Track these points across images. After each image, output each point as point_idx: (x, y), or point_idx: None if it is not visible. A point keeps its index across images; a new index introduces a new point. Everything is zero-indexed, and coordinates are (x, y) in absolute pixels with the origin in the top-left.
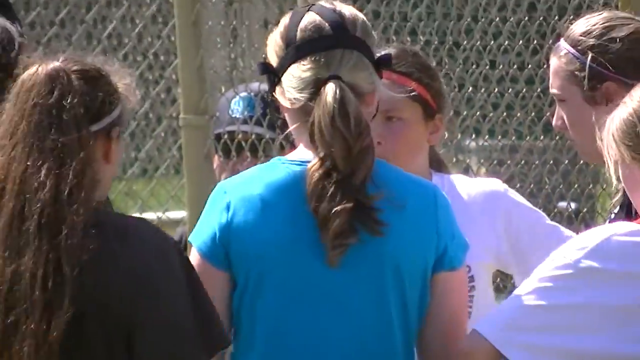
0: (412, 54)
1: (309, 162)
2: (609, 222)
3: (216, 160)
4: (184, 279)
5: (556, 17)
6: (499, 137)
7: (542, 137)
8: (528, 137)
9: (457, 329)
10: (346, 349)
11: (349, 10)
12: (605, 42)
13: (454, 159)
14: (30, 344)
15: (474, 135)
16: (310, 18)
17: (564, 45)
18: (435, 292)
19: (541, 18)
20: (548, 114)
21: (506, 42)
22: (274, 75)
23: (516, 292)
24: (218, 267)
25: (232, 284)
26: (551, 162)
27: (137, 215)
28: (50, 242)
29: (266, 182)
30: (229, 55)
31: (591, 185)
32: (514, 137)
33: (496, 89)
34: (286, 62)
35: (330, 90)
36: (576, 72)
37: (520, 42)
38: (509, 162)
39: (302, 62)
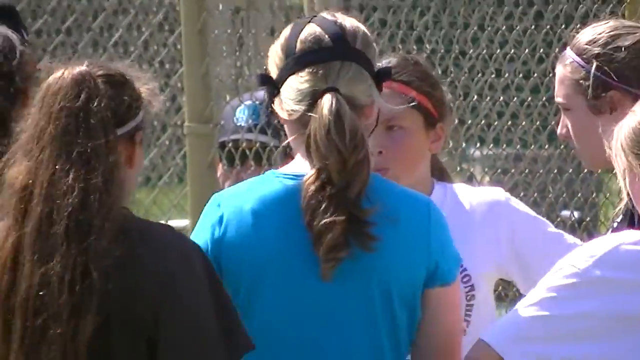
0: (413, 62)
1: (302, 175)
2: (612, 231)
3: (220, 169)
4: (207, 284)
5: (563, 26)
6: (504, 145)
7: (546, 146)
8: (532, 146)
9: (451, 345)
10: None
11: (350, 22)
12: (611, 51)
13: (458, 168)
14: (57, 348)
15: (478, 144)
16: (311, 29)
17: (569, 53)
18: (428, 307)
19: (548, 27)
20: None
21: (512, 51)
22: (273, 87)
23: (524, 301)
24: None
25: None
26: (555, 171)
27: None
28: (78, 246)
29: (259, 196)
30: (234, 63)
31: (594, 194)
32: (518, 146)
33: (501, 98)
34: (285, 73)
35: (326, 103)
36: (581, 81)
37: (527, 50)
38: (513, 170)
39: (301, 74)
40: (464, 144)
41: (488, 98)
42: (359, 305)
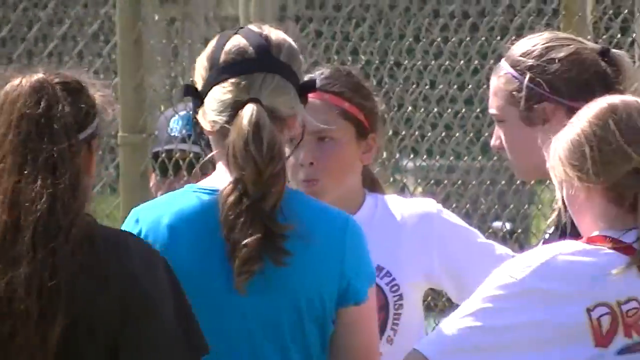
0: (346, 73)
1: (217, 190)
2: (543, 242)
3: (153, 179)
4: (169, 287)
5: (498, 38)
6: (437, 157)
7: (479, 157)
8: (466, 157)
9: None
10: None
11: (276, 34)
12: (544, 63)
13: (391, 179)
14: (26, 355)
15: (411, 155)
16: (236, 41)
17: (503, 65)
18: (341, 325)
19: (483, 38)
20: (486, 134)
21: (447, 62)
22: (197, 97)
23: (459, 311)
24: None
25: None
26: (488, 182)
27: None
28: (45, 252)
29: (176, 211)
30: (169, 73)
31: (526, 206)
32: (451, 157)
33: (435, 109)
34: (209, 84)
35: (246, 114)
36: (514, 93)
37: (461, 62)
38: (445, 182)
39: (223, 85)
40: (397, 155)
41: (422, 109)
42: (270, 319)
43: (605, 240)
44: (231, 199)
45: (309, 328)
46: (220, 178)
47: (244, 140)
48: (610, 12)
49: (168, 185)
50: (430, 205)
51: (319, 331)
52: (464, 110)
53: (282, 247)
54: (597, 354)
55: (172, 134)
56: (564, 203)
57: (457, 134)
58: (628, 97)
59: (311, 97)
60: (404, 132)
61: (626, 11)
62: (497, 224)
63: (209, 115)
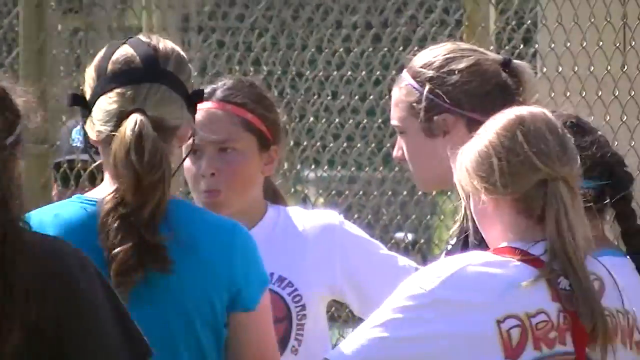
0: (249, 84)
1: (101, 199)
2: (446, 253)
3: (55, 189)
4: (105, 294)
5: (400, 49)
6: (339, 167)
7: (381, 168)
8: (367, 168)
9: None
10: None
11: (164, 44)
12: (444, 74)
13: (292, 189)
14: None
15: (313, 166)
16: (123, 51)
17: (405, 76)
18: (233, 330)
19: (385, 49)
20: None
21: (349, 73)
22: (85, 107)
23: (369, 321)
24: None
25: None
26: (389, 193)
27: None
28: None
29: (60, 221)
30: (72, 84)
31: (428, 216)
32: (353, 168)
33: (337, 120)
34: (96, 94)
35: (130, 123)
36: (414, 104)
37: (363, 73)
38: (347, 192)
39: (109, 95)
40: (298, 166)
41: (324, 120)
42: (159, 327)
43: (514, 252)
44: (107, 207)
45: (203, 333)
46: (105, 187)
47: (126, 150)
48: (513, 23)
49: (70, 195)
50: (332, 217)
51: (214, 335)
52: (365, 121)
53: (162, 255)
54: None
55: (74, 145)
56: (466, 213)
57: (359, 145)
58: (535, 109)
59: (213, 107)
60: (305, 143)
61: (529, 22)
62: (399, 235)
63: (96, 125)
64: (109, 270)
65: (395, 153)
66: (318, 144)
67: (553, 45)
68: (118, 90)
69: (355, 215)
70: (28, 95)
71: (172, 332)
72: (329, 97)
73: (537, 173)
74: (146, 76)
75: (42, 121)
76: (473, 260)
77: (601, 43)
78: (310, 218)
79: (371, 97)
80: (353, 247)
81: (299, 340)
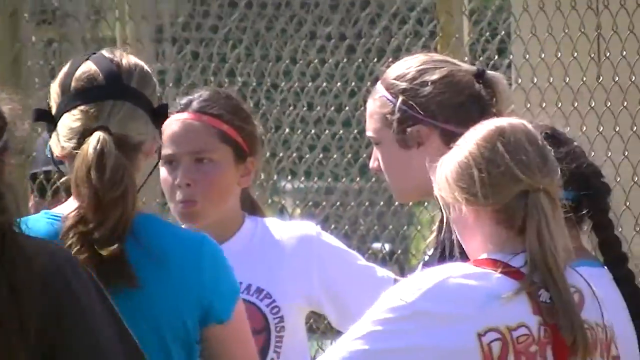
0: (225, 96)
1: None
2: (423, 263)
3: (32, 200)
4: (98, 296)
5: (375, 60)
6: (315, 178)
7: (358, 178)
8: (344, 179)
9: None
10: None
11: (128, 60)
12: (417, 86)
13: (269, 200)
14: None
15: (290, 177)
16: (86, 67)
17: (379, 88)
18: (209, 344)
19: (360, 60)
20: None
21: (324, 84)
22: (50, 122)
23: (350, 333)
24: None
25: None
26: (367, 203)
27: None
28: None
29: None
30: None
31: (406, 227)
32: (330, 179)
33: (313, 131)
34: (60, 110)
35: (92, 141)
36: (388, 115)
37: (338, 84)
38: (324, 203)
39: (73, 112)
40: (275, 177)
41: (300, 131)
42: None
43: (494, 264)
44: (67, 224)
45: (175, 349)
46: (71, 203)
47: (87, 168)
48: (487, 34)
49: (47, 206)
50: (310, 228)
51: (185, 351)
52: (341, 132)
53: (126, 270)
54: None
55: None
56: (440, 224)
57: (335, 156)
58: (514, 120)
59: (189, 118)
60: (281, 154)
61: (503, 32)
62: (376, 245)
63: (60, 141)
64: None
65: (372, 164)
66: (294, 155)
67: (528, 56)
68: (81, 107)
69: (333, 226)
70: (13, 103)
71: (144, 347)
72: (304, 108)
73: (518, 184)
74: (109, 93)
75: (29, 129)
76: (454, 272)
77: (576, 54)
78: (287, 229)
79: (347, 108)
80: (330, 257)
81: (277, 352)
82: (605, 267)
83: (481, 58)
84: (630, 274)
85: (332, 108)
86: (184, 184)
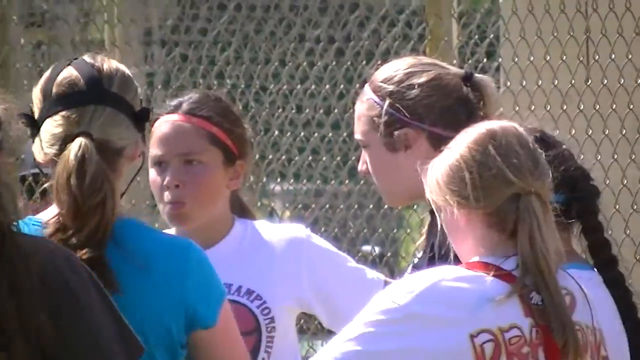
0: (214, 98)
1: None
2: (412, 266)
3: (21, 202)
4: (97, 293)
5: (364, 62)
6: (304, 181)
7: (347, 181)
8: (333, 182)
9: None
10: None
11: (109, 65)
12: (404, 89)
13: (259, 203)
14: None
15: (279, 179)
16: (67, 73)
17: (367, 90)
18: (199, 350)
19: (349, 63)
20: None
21: (313, 87)
22: (33, 127)
23: (342, 335)
24: None
25: None
26: (356, 206)
27: None
28: None
29: None
30: None
31: (395, 230)
32: (319, 181)
33: (302, 133)
34: (43, 116)
35: (74, 148)
36: (375, 118)
37: (327, 86)
38: (313, 206)
39: (55, 118)
40: (264, 179)
41: (289, 133)
42: None
43: (486, 267)
44: (47, 232)
45: (158, 353)
46: (53, 210)
47: (67, 174)
48: (476, 37)
49: (37, 208)
50: (300, 230)
51: (169, 355)
52: (330, 134)
53: (107, 275)
54: None
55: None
56: (430, 227)
57: (325, 158)
58: (505, 123)
59: (179, 120)
60: (271, 156)
61: (492, 36)
62: (366, 248)
63: (43, 147)
64: None
65: (360, 167)
66: (283, 157)
67: (516, 59)
68: (63, 113)
69: (322, 229)
70: (7, 103)
71: None
72: (293, 111)
73: (510, 187)
74: (90, 98)
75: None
76: (446, 275)
77: (564, 57)
78: (277, 231)
79: (335, 110)
80: (321, 259)
81: (268, 352)
82: (595, 270)
83: (470, 61)
84: (621, 276)
85: (321, 110)
86: (173, 185)
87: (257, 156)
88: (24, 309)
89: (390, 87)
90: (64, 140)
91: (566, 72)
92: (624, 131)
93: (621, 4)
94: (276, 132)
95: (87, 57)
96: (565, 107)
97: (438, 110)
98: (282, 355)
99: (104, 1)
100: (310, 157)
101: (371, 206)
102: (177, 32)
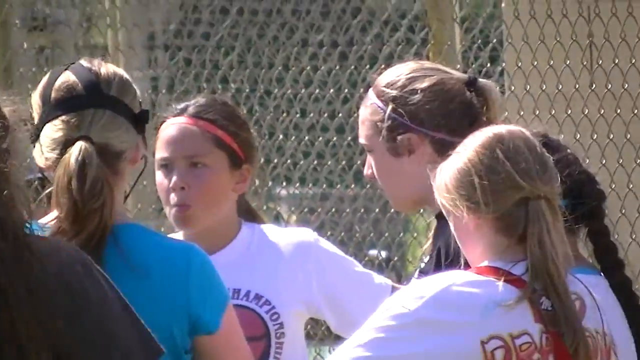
0: (221, 102)
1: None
2: (419, 270)
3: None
4: (113, 293)
5: (367, 66)
6: (310, 185)
7: (352, 185)
8: (339, 186)
9: None
10: None
11: (106, 69)
12: (406, 94)
13: (265, 207)
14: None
15: (284, 183)
16: (65, 78)
17: (370, 95)
18: (203, 355)
19: (352, 67)
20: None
21: (317, 91)
22: (34, 133)
23: (351, 341)
24: None
25: None
26: (362, 210)
27: None
28: None
29: None
30: None
31: (402, 234)
32: (324, 185)
33: (307, 137)
34: (42, 121)
35: (74, 152)
36: (378, 123)
37: (331, 90)
38: (319, 210)
39: (55, 122)
40: (270, 183)
41: (293, 137)
42: None
43: (496, 272)
44: (45, 235)
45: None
46: (54, 214)
47: (68, 178)
48: (479, 41)
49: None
50: (307, 234)
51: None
52: (335, 138)
53: None
54: None
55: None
56: (436, 231)
57: (330, 162)
58: (512, 127)
59: (185, 123)
60: (276, 160)
61: (495, 40)
62: (373, 252)
63: (44, 152)
64: None
65: (366, 171)
66: (289, 161)
67: (520, 63)
68: (63, 117)
69: (328, 233)
70: (16, 105)
71: None
72: (297, 115)
73: (519, 191)
74: (89, 102)
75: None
76: (456, 279)
77: (568, 61)
78: (285, 236)
79: (340, 114)
80: (329, 263)
81: (277, 358)
82: (602, 274)
83: (474, 65)
84: (627, 280)
85: (326, 115)
86: (179, 188)
87: (262, 160)
88: (40, 312)
89: (393, 92)
90: (65, 145)
91: (570, 77)
92: (629, 135)
93: (623, 8)
94: (281, 136)
95: (84, 62)
96: (569, 112)
97: (440, 115)
98: None
99: (106, 5)
100: (315, 161)
101: (377, 210)
102: (180, 36)
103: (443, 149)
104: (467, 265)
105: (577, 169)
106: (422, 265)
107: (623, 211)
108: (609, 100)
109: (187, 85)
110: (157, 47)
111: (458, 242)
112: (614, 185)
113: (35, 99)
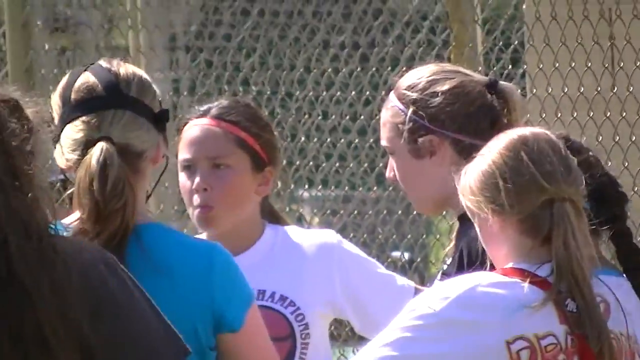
0: (244, 104)
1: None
2: (442, 272)
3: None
4: (139, 292)
5: (389, 68)
6: (332, 187)
7: (375, 187)
8: (361, 188)
9: None
10: None
11: (125, 69)
12: (427, 97)
13: (287, 209)
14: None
15: (307, 185)
16: (84, 78)
17: (391, 97)
18: (226, 353)
19: (374, 69)
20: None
21: (338, 93)
22: (54, 134)
23: (376, 340)
24: None
25: None
26: (384, 212)
27: None
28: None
29: None
30: None
31: (424, 236)
32: (347, 187)
33: (329, 139)
34: (63, 122)
35: (95, 152)
36: (400, 125)
37: (353, 92)
38: (342, 212)
39: (75, 123)
40: (292, 185)
41: (315, 139)
42: None
43: (521, 274)
44: (67, 235)
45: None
46: (76, 214)
47: (90, 179)
48: (501, 43)
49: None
50: (330, 236)
51: (199, 358)
52: (357, 140)
53: None
54: None
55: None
56: (458, 233)
57: (352, 165)
58: (536, 129)
59: (207, 124)
60: (298, 162)
61: (516, 42)
62: (396, 254)
63: (65, 152)
64: None
65: (388, 174)
66: (311, 163)
67: (541, 65)
68: (83, 118)
69: (351, 235)
70: (39, 106)
71: None
72: (319, 117)
73: (543, 193)
74: (109, 103)
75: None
76: (481, 280)
77: (589, 63)
78: (308, 237)
79: (362, 117)
80: (352, 265)
81: (302, 359)
82: (624, 276)
83: (495, 67)
84: None
85: (347, 117)
86: (201, 189)
87: (285, 162)
88: (65, 311)
89: (414, 95)
90: (86, 145)
91: (592, 79)
92: None
93: None
94: (303, 138)
95: (103, 62)
96: (592, 114)
97: (461, 118)
98: None
99: (128, 7)
100: (337, 164)
101: (400, 212)
102: (201, 37)
103: (464, 151)
104: (492, 267)
105: (599, 172)
106: (445, 267)
107: None
108: (631, 102)
109: (209, 87)
110: (179, 49)
111: (483, 244)
112: (636, 188)
113: (55, 99)
